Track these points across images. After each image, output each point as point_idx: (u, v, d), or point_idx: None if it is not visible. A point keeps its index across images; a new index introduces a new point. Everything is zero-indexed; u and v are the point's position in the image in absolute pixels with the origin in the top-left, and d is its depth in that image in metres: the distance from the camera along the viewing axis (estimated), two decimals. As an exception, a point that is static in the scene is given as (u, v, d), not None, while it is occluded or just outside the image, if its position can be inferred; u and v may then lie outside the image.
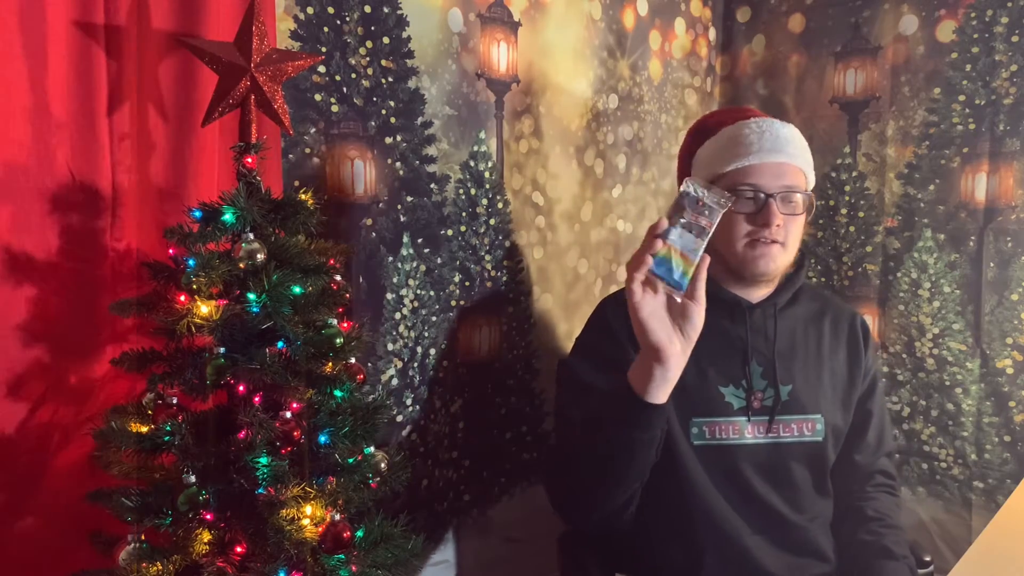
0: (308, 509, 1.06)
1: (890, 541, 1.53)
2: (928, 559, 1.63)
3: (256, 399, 1.10)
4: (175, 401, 1.11)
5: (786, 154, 1.48)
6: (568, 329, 2.20)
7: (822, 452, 1.54)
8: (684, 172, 1.64)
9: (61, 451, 1.24)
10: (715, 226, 1.16)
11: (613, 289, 2.30)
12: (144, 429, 1.09)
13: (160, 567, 1.07)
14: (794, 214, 1.48)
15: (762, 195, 1.46)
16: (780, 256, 1.49)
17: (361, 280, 1.68)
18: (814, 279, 2.45)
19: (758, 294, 1.56)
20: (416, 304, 1.78)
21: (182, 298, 1.07)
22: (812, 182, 1.55)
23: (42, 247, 1.21)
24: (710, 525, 1.48)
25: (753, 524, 1.50)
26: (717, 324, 1.51)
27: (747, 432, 1.50)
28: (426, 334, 1.81)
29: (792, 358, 1.55)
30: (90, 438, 1.15)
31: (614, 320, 1.52)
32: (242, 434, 1.06)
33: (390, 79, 1.69)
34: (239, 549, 1.09)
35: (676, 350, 1.23)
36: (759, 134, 1.48)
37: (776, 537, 1.51)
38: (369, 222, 1.68)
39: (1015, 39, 2.13)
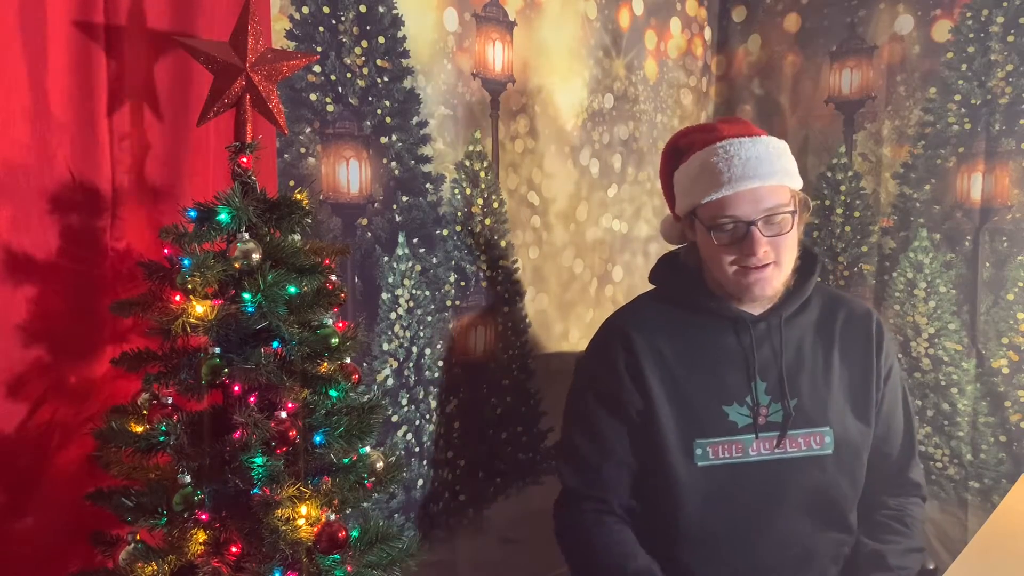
0: (303, 509, 1.06)
1: (889, 550, 1.49)
2: (932, 567, 1.59)
3: (251, 399, 1.10)
4: (170, 401, 1.11)
5: (759, 177, 1.41)
6: (563, 329, 2.20)
7: (831, 465, 1.49)
8: (668, 191, 1.61)
9: (61, 451, 1.24)
10: None
11: (608, 290, 2.30)
12: (139, 429, 1.10)
13: (155, 567, 1.07)
14: (780, 234, 1.42)
15: (743, 224, 1.41)
16: (775, 276, 1.45)
17: (356, 280, 1.68)
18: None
19: (762, 305, 1.52)
20: (411, 304, 1.78)
21: (177, 298, 1.08)
22: (799, 185, 1.49)
23: (42, 247, 1.21)
24: (705, 545, 1.47)
25: (753, 542, 1.48)
26: (719, 341, 1.50)
27: (751, 450, 1.47)
28: (421, 334, 1.81)
29: (799, 370, 1.51)
30: (90, 438, 1.15)
31: (619, 355, 1.53)
32: (237, 434, 1.07)
33: (385, 79, 1.69)
34: (234, 549, 1.10)
35: None
36: (727, 161, 1.42)
37: (779, 555, 1.48)
38: (364, 222, 1.69)
39: (1011, 39, 2.13)
